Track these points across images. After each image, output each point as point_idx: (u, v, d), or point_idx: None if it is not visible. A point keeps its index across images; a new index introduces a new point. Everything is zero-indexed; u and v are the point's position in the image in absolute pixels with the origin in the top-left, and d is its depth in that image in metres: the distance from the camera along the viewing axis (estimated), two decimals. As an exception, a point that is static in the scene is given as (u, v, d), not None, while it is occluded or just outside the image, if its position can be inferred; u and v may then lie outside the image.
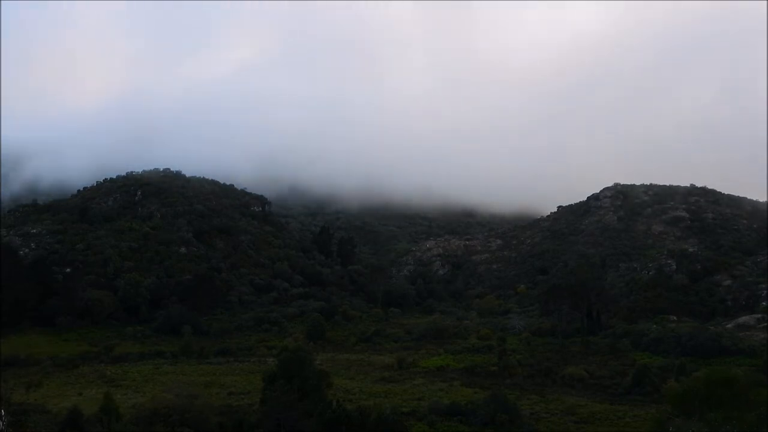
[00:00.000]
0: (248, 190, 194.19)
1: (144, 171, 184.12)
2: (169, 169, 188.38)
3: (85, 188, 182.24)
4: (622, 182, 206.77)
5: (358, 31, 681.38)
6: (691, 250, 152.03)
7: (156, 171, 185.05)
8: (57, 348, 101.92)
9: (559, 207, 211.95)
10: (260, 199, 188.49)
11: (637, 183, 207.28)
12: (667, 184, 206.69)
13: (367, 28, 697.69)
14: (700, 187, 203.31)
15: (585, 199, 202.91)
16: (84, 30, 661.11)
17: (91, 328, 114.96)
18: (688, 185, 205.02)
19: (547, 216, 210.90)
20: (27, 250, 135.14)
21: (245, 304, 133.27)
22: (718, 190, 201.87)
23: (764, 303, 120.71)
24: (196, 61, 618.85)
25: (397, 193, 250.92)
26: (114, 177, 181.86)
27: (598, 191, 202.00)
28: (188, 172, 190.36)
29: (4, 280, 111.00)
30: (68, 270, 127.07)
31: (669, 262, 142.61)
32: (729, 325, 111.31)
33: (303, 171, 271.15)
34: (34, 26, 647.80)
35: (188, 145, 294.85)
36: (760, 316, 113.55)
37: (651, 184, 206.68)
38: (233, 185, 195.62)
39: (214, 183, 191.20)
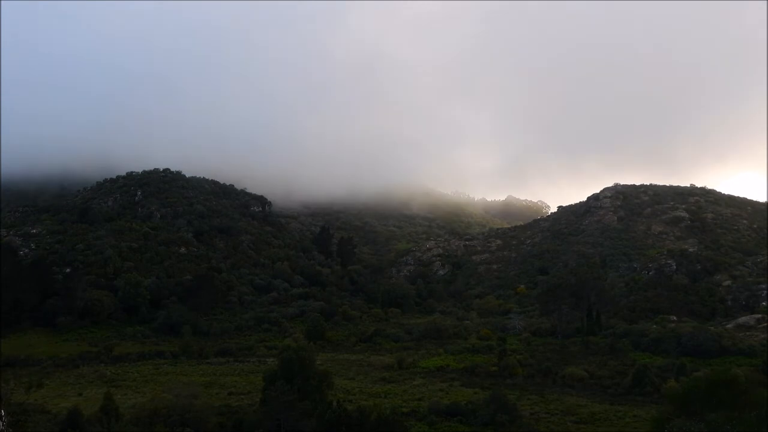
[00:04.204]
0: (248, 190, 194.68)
1: (144, 171, 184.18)
2: (169, 169, 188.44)
3: (85, 188, 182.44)
4: (622, 182, 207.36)
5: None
6: (691, 250, 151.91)
7: (156, 171, 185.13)
8: (57, 348, 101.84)
9: (559, 207, 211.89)
10: (260, 199, 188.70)
11: (637, 183, 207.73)
12: (667, 184, 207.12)
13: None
14: (700, 187, 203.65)
15: (585, 199, 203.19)
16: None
17: (91, 328, 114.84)
18: (688, 185, 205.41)
19: (547, 216, 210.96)
20: (27, 250, 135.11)
21: (245, 304, 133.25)
22: (718, 190, 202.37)
23: (764, 303, 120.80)
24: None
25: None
26: (114, 177, 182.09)
27: (598, 191, 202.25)
28: (188, 172, 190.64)
29: (4, 280, 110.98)
30: (68, 270, 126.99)
31: (669, 262, 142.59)
32: (729, 325, 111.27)
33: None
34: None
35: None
36: (760, 316, 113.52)
37: (651, 184, 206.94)
38: (233, 185, 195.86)
39: (214, 183, 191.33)
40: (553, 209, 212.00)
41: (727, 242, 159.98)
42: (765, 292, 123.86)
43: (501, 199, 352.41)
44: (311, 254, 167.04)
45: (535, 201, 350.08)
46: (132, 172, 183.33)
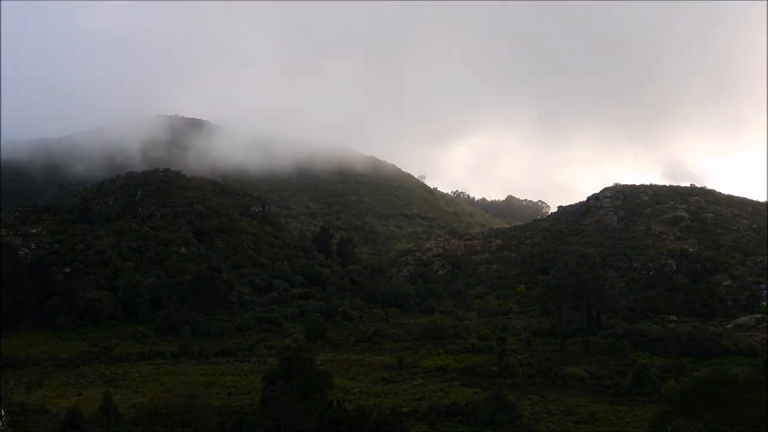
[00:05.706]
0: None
1: (144, 171, 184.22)
2: (169, 169, 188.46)
3: (85, 188, 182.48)
4: (622, 182, 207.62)
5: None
6: (691, 250, 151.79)
7: (156, 171, 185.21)
8: (57, 348, 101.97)
9: (559, 207, 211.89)
10: (260, 199, 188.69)
11: (637, 183, 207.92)
12: (667, 184, 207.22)
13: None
14: (700, 187, 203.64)
15: (585, 199, 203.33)
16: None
17: (91, 328, 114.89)
18: (688, 185, 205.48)
19: (547, 216, 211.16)
20: (27, 250, 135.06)
21: (245, 304, 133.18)
22: (718, 191, 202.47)
23: (764, 303, 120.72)
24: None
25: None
26: (114, 177, 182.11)
27: (598, 191, 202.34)
28: (188, 172, 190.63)
29: (4, 280, 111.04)
30: (68, 270, 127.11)
31: (669, 262, 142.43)
32: (729, 325, 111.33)
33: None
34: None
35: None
36: (760, 316, 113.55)
37: (651, 184, 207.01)
38: (233, 185, 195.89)
39: (214, 183, 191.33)
40: (553, 209, 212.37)
41: (727, 242, 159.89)
42: (765, 292, 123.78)
43: (501, 199, 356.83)
44: (311, 254, 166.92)
45: (535, 201, 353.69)
46: (132, 172, 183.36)
